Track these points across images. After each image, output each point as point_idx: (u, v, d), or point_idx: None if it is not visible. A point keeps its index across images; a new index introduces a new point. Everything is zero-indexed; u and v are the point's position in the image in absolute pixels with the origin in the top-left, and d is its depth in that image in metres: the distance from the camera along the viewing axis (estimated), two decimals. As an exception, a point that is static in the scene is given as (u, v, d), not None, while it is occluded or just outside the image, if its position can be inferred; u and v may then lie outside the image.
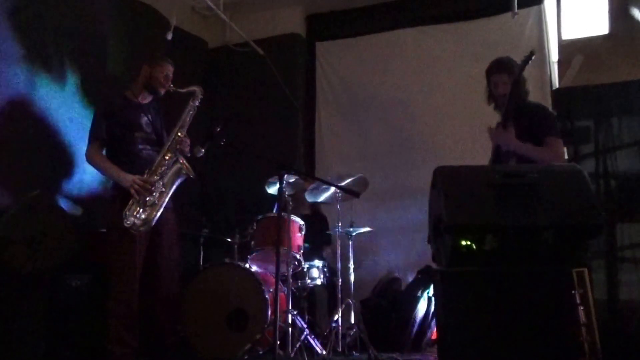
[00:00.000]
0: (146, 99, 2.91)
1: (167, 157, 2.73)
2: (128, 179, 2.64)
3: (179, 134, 2.78)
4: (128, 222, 2.58)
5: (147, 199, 2.62)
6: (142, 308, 2.68)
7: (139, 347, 2.66)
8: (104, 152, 2.82)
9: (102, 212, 3.26)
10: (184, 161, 2.74)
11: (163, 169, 2.70)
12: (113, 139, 2.81)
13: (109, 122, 2.78)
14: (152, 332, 2.75)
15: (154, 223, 2.65)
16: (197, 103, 2.87)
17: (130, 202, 2.62)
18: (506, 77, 2.59)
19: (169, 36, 3.95)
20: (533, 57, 2.48)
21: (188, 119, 2.84)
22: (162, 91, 2.88)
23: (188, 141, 2.82)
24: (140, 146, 2.80)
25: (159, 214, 2.66)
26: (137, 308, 2.63)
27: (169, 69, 2.89)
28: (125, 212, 2.60)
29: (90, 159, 2.79)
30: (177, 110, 2.90)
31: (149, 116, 2.86)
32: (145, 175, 2.67)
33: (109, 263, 2.69)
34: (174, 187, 2.73)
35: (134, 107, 2.85)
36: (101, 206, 3.34)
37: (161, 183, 2.67)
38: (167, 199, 2.70)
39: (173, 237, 2.86)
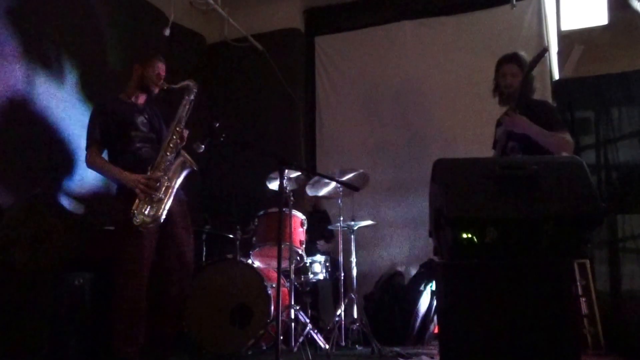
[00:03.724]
0: (140, 99, 2.88)
1: (168, 153, 2.71)
2: (131, 178, 2.62)
3: (177, 128, 2.76)
4: (137, 221, 2.55)
5: (153, 195, 2.60)
6: (151, 304, 2.66)
7: (145, 344, 2.65)
8: (104, 154, 2.81)
9: (104, 209, 3.27)
10: (186, 154, 2.73)
11: (166, 164, 2.68)
12: (110, 140, 2.78)
13: (103, 124, 2.76)
14: (159, 328, 2.74)
15: (162, 219, 2.63)
16: (192, 97, 2.83)
17: (137, 200, 2.59)
18: (516, 68, 2.64)
19: (167, 32, 3.94)
20: (546, 55, 2.54)
21: (185, 114, 2.80)
22: (156, 89, 2.85)
23: (185, 133, 2.79)
24: (139, 144, 2.78)
25: (166, 209, 2.64)
26: (144, 305, 2.61)
27: (161, 67, 2.86)
28: (133, 210, 2.57)
29: (91, 164, 2.76)
30: (175, 107, 2.88)
31: (145, 116, 2.84)
32: (149, 173, 2.65)
33: (115, 260, 2.66)
34: (180, 180, 2.72)
35: (128, 108, 2.82)
36: (103, 204, 3.35)
37: (166, 177, 2.65)
38: (174, 193, 2.68)
39: (183, 230, 2.81)
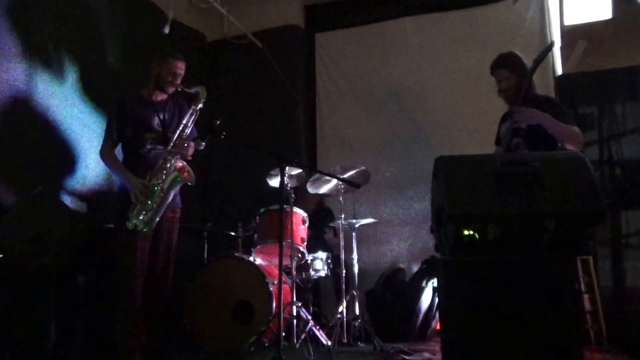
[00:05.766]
0: (160, 96, 2.90)
1: (167, 162, 2.72)
2: (132, 181, 2.68)
3: (181, 137, 2.76)
4: (130, 225, 2.62)
5: (148, 202, 2.64)
6: (146, 303, 2.72)
7: (147, 341, 2.70)
8: (117, 150, 2.87)
9: (106, 207, 3.28)
10: (186, 166, 2.74)
11: (164, 172, 2.71)
12: (124, 139, 2.84)
13: (121, 122, 2.82)
14: (156, 325, 2.79)
15: (154, 226, 2.69)
16: (200, 106, 2.83)
17: (133, 204, 2.65)
18: (506, 72, 2.68)
19: (167, 30, 3.93)
20: (552, 49, 2.55)
21: (190, 122, 2.81)
22: (171, 89, 2.87)
23: (191, 145, 2.80)
24: (149, 146, 2.81)
25: (158, 217, 2.69)
26: (140, 303, 2.67)
27: (179, 66, 2.86)
28: (128, 213, 2.64)
29: (102, 157, 2.87)
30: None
31: (162, 115, 2.85)
32: (147, 179, 2.68)
33: (114, 259, 2.71)
34: (172, 192, 2.74)
35: (147, 106, 2.85)
36: (105, 202, 3.36)
37: (160, 187, 2.67)
38: (166, 203, 2.72)
39: (172, 235, 2.87)
